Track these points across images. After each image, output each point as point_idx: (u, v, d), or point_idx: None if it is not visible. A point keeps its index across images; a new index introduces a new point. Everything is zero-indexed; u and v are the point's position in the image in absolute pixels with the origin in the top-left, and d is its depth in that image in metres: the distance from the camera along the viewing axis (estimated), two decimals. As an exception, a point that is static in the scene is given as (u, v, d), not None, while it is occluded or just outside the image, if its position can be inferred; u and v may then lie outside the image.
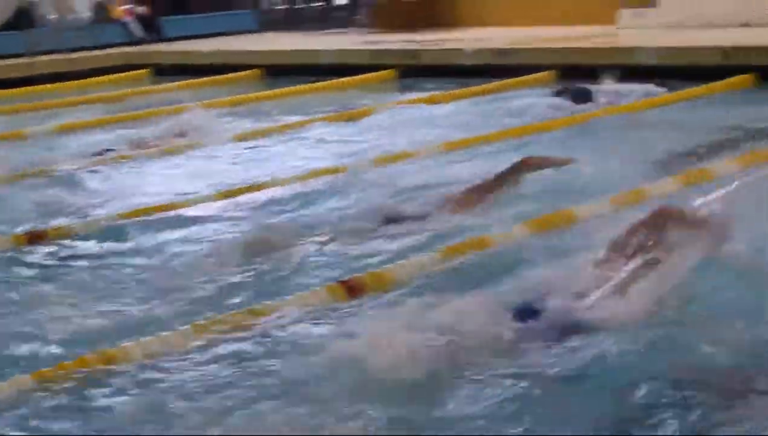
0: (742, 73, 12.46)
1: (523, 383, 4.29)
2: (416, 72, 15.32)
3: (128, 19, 23.25)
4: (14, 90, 16.85)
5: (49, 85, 17.17)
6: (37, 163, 9.70)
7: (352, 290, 5.51)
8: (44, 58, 20.11)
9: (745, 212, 5.81)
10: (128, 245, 6.88)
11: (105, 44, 21.42)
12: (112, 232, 7.13)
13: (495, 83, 13.54)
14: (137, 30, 22.78)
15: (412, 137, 10.27)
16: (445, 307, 4.92)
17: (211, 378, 4.57)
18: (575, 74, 12.70)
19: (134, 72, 18.66)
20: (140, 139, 10.66)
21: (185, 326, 5.06)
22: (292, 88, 14.64)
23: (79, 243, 6.92)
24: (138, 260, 6.50)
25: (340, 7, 25.13)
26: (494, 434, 4.01)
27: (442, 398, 4.21)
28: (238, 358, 4.76)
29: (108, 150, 10.25)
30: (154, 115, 12.49)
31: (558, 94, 11.80)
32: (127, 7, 23.75)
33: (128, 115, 12.99)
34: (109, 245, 6.84)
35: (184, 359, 4.77)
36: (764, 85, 12.30)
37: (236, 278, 5.97)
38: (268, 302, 5.35)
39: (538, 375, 4.34)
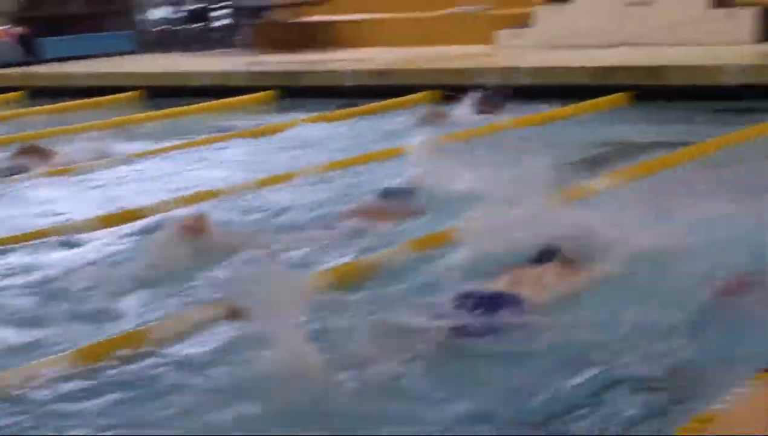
0: (616, 92, 12.78)
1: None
2: (296, 93, 15.34)
3: (4, 39, 22.84)
4: None
5: None
6: None
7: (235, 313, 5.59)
8: None
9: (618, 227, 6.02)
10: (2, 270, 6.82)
11: (-20, 66, 21.00)
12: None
13: (374, 104, 13.64)
14: (13, 51, 22.39)
15: (292, 159, 10.32)
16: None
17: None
18: (455, 94, 12.82)
19: (7, 94, 18.29)
20: (13, 164, 10.50)
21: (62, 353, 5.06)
22: (172, 109, 14.54)
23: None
24: (12, 283, 6.46)
25: (219, 28, 25.01)
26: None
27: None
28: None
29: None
30: (25, 139, 12.22)
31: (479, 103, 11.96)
32: (2, 27, 23.34)
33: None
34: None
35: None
36: (637, 104, 12.61)
37: (120, 303, 5.97)
38: (151, 325, 5.38)
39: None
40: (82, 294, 6.12)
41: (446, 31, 18.48)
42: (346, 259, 6.59)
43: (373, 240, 6.92)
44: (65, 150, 10.92)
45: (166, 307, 5.84)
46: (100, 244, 7.41)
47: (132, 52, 22.60)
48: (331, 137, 11.72)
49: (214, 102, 15.04)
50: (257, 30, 21.26)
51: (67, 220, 8.11)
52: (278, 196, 8.55)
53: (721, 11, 15.69)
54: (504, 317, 5.07)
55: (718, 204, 6.34)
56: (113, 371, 4.92)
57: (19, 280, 6.57)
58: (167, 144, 11.58)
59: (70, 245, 7.39)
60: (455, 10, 18.95)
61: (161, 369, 4.92)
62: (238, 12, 22.68)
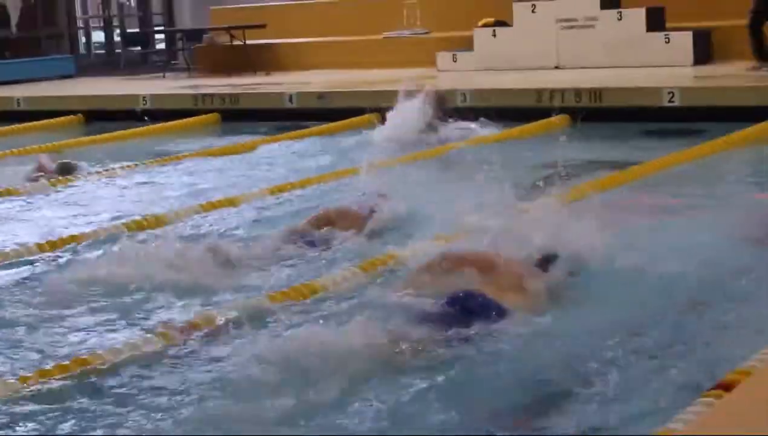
0: (556, 114, 12.87)
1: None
2: (238, 116, 15.35)
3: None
4: None
5: None
6: None
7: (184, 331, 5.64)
8: None
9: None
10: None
11: None
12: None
13: (315, 127, 13.69)
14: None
15: (236, 182, 10.33)
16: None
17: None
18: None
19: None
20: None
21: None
22: (113, 133, 14.43)
23: None
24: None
25: (160, 51, 24.98)
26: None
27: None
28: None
29: None
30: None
31: None
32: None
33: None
34: None
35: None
36: (576, 125, 12.72)
37: (62, 327, 5.95)
38: (101, 351, 5.40)
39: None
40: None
41: (389, 54, 18.58)
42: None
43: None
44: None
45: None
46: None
47: (72, 76, 22.47)
48: (274, 159, 11.73)
49: (157, 125, 14.95)
50: (197, 53, 21.24)
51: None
52: (224, 219, 8.55)
53: (661, 34, 15.94)
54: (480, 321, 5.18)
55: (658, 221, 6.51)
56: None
57: None
58: (103, 168, 11.47)
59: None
60: (394, 33, 19.07)
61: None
62: (178, 35, 22.67)
